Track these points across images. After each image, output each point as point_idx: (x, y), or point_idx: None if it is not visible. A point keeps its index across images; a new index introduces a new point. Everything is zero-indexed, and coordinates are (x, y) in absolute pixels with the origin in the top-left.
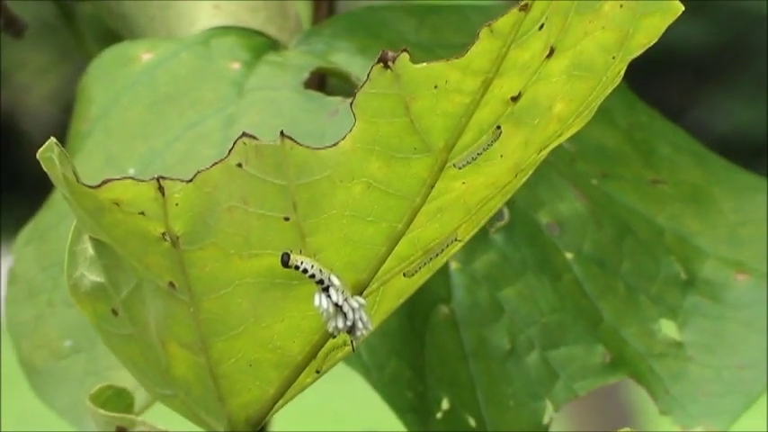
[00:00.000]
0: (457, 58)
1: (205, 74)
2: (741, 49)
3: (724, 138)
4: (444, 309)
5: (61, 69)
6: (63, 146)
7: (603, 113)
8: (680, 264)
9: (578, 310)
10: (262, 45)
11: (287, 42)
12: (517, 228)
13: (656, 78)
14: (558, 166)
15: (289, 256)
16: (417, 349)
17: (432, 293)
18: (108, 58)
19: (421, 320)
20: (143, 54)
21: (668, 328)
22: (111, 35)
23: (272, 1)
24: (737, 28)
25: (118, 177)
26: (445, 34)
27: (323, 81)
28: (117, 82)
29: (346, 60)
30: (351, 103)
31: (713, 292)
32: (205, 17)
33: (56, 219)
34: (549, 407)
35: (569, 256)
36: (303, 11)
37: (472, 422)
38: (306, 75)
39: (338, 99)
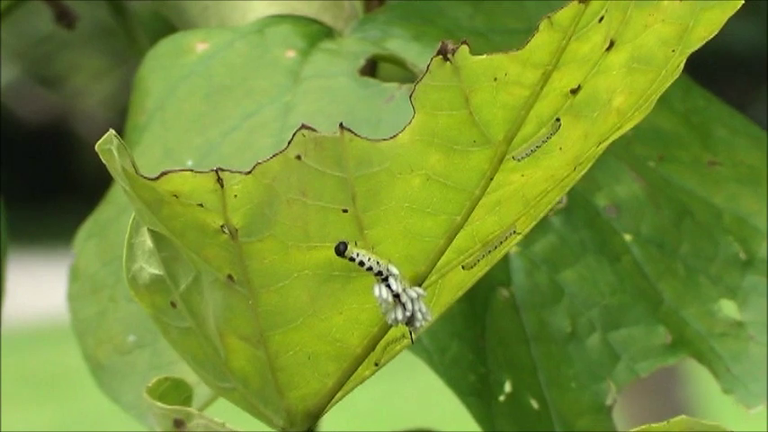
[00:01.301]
0: (516, 49)
1: (260, 63)
2: None
3: None
4: (504, 292)
5: (116, 73)
6: (113, 126)
7: (660, 97)
8: (738, 244)
9: (638, 292)
10: (316, 33)
11: (342, 30)
12: (575, 211)
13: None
14: (615, 149)
15: (345, 245)
16: (478, 332)
17: (491, 277)
18: (163, 50)
19: (481, 304)
20: (198, 44)
21: (728, 308)
22: (165, 35)
23: None
24: None
25: (176, 169)
26: (501, 20)
27: (374, 67)
28: (173, 73)
29: (402, 47)
30: (409, 94)
31: None
32: (259, 6)
33: (115, 213)
34: (612, 388)
35: (628, 238)
36: None
37: (535, 404)
38: (362, 62)
39: (394, 85)
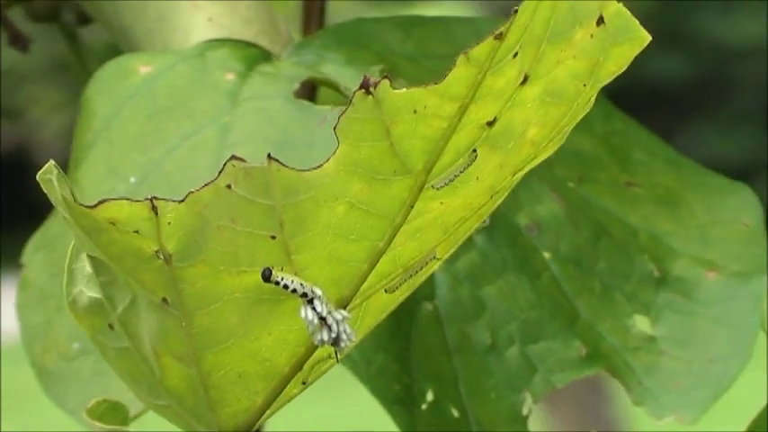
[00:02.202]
0: (435, 83)
1: (201, 85)
2: (719, 83)
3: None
4: (428, 306)
5: (72, 107)
6: (69, 156)
7: (581, 121)
8: (653, 262)
9: (556, 307)
10: (255, 56)
11: (279, 54)
12: (497, 229)
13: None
14: (537, 170)
15: (270, 271)
16: (403, 344)
17: (416, 291)
18: (109, 71)
19: (406, 317)
20: (141, 67)
21: (642, 324)
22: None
23: (264, 15)
24: (715, 63)
25: (113, 198)
26: (430, 45)
27: (314, 90)
28: (117, 94)
29: (336, 71)
30: (335, 124)
31: (685, 289)
32: (200, 30)
33: (62, 228)
34: (529, 399)
35: (547, 255)
36: (293, 24)
37: (455, 413)
38: (296, 85)
39: (327, 108)
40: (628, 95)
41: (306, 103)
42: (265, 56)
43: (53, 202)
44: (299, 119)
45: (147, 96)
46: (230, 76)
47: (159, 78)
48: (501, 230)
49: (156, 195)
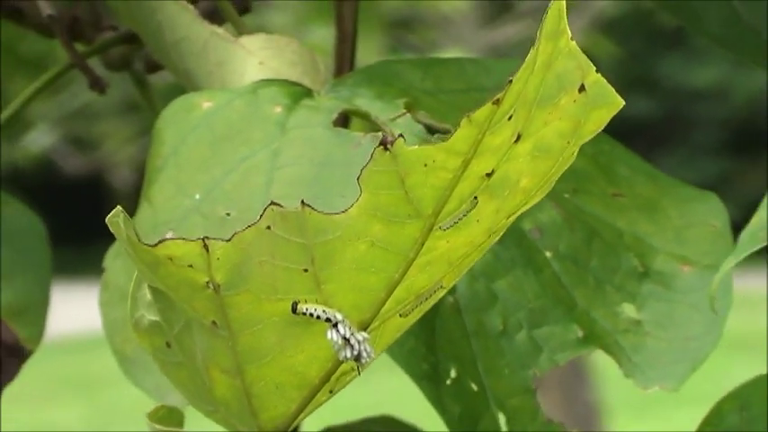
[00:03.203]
0: (443, 140)
1: (254, 117)
2: (681, 121)
3: None
4: (450, 298)
5: (139, 140)
6: (142, 178)
7: None
8: (637, 259)
9: (557, 298)
10: (299, 93)
11: (319, 90)
12: (506, 233)
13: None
14: None
15: (296, 304)
16: (429, 331)
17: None
18: (176, 106)
19: (432, 307)
20: (204, 102)
21: (629, 310)
22: (180, 94)
23: (306, 58)
24: (678, 103)
25: (170, 237)
26: (446, 82)
27: (347, 119)
28: (183, 125)
29: (366, 104)
30: (373, 143)
31: (664, 280)
32: (252, 72)
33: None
34: (536, 374)
35: (548, 254)
36: (330, 65)
37: (474, 387)
38: (334, 115)
39: (360, 134)
40: (605, 131)
41: (343, 130)
42: (307, 92)
43: (119, 240)
44: (337, 143)
45: (208, 127)
46: (278, 109)
47: (218, 112)
48: (509, 234)
49: (219, 216)
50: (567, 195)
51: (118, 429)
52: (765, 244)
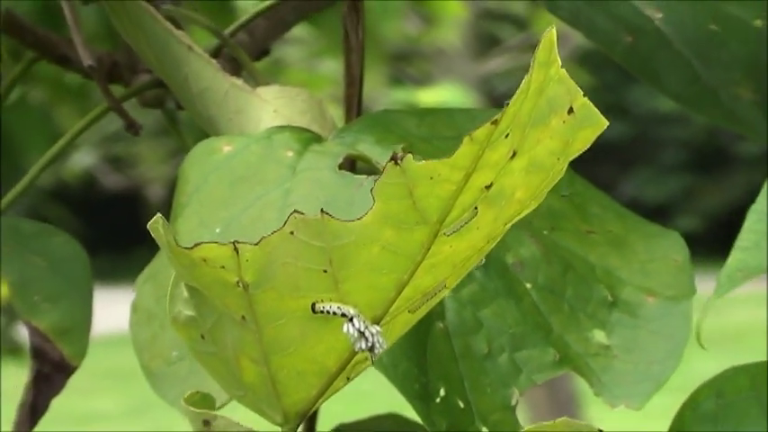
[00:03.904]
0: (447, 157)
1: (268, 160)
2: (651, 142)
3: (635, 206)
4: (440, 324)
5: (169, 161)
6: (170, 211)
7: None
8: (607, 290)
9: (535, 324)
10: (308, 138)
11: (326, 136)
12: (491, 266)
13: (595, 164)
14: (520, 222)
15: (315, 304)
16: (421, 353)
17: (431, 313)
18: (199, 150)
19: (423, 332)
20: (224, 146)
21: (599, 336)
22: (204, 135)
23: (315, 107)
24: (647, 126)
25: (206, 241)
26: (439, 129)
27: (353, 164)
28: (206, 167)
29: (368, 149)
30: (373, 184)
31: (631, 309)
32: (267, 119)
33: (164, 265)
34: (516, 392)
35: (528, 285)
36: (337, 113)
37: (461, 404)
38: (340, 159)
39: (363, 177)
40: (584, 152)
41: (347, 173)
42: (316, 138)
43: (159, 245)
44: (342, 184)
45: (227, 168)
46: (290, 153)
47: (237, 155)
48: (493, 266)
49: (236, 240)
50: (545, 232)
51: (152, 416)
52: (742, 284)
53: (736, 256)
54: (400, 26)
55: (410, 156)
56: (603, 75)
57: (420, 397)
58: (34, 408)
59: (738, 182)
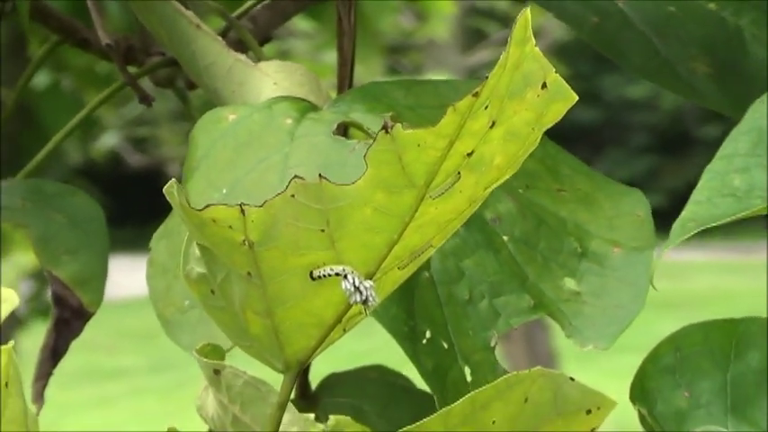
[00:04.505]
0: (432, 126)
1: (269, 127)
2: (621, 126)
3: None
4: (426, 273)
5: (186, 143)
6: (182, 175)
7: None
8: (577, 242)
9: (512, 273)
10: (305, 108)
11: (321, 106)
12: (472, 221)
13: (568, 146)
14: None
15: (312, 272)
16: (409, 300)
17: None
18: (207, 118)
19: (411, 281)
20: (229, 115)
21: (570, 284)
22: (210, 108)
23: (312, 80)
24: (618, 112)
25: (214, 202)
26: (424, 99)
27: (346, 129)
28: (213, 134)
29: (360, 117)
30: (364, 149)
31: (598, 259)
32: (268, 90)
33: (177, 224)
34: (495, 335)
35: (506, 238)
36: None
37: (445, 345)
38: (334, 126)
39: (354, 141)
40: (558, 134)
41: (341, 138)
42: (313, 107)
43: (173, 206)
44: (336, 148)
45: (232, 135)
46: (289, 121)
47: (241, 123)
48: (474, 222)
49: (242, 202)
50: (520, 191)
51: (171, 372)
52: (693, 233)
53: (689, 209)
54: (395, 21)
55: (399, 125)
56: (578, 65)
57: (408, 339)
58: (55, 349)
59: (699, 163)
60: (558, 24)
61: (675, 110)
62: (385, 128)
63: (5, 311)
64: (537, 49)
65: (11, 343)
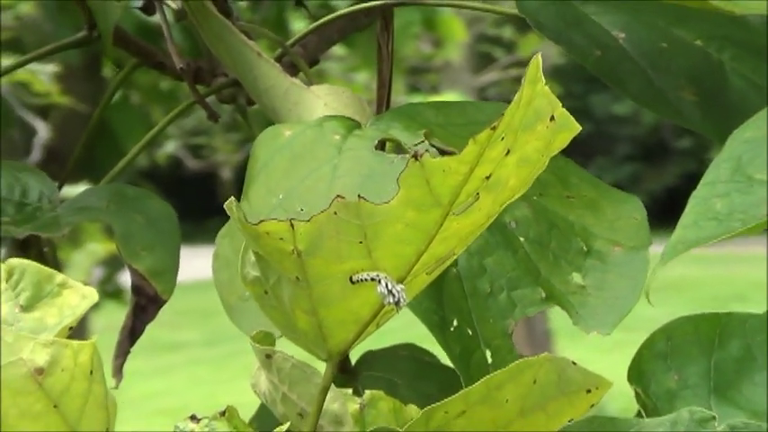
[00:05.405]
0: (458, 140)
1: (320, 142)
2: (609, 138)
3: None
4: (453, 270)
5: (239, 149)
6: (238, 189)
7: None
8: (583, 242)
9: (527, 269)
10: (351, 125)
11: (365, 124)
12: (493, 225)
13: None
14: None
15: (351, 277)
16: (439, 293)
17: None
18: (266, 134)
19: (440, 276)
20: (285, 131)
21: (577, 278)
22: (266, 125)
23: (357, 101)
24: (606, 125)
25: (269, 219)
26: (452, 118)
27: (384, 145)
28: (271, 147)
29: (397, 133)
30: (401, 161)
31: (601, 257)
32: (319, 110)
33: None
34: (512, 323)
35: (522, 239)
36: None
37: (470, 332)
38: (375, 142)
39: (393, 155)
40: (563, 150)
41: (381, 152)
42: (357, 125)
43: (232, 220)
44: (377, 161)
45: (288, 148)
46: (337, 137)
47: (296, 138)
48: (495, 225)
49: (295, 210)
50: (535, 198)
51: (224, 345)
52: (682, 252)
53: (678, 233)
54: (416, 47)
55: (428, 153)
56: (571, 86)
57: (438, 327)
58: (133, 330)
59: (675, 170)
60: (553, 49)
61: (654, 124)
62: (415, 156)
63: (86, 307)
64: (546, 87)
65: (94, 337)
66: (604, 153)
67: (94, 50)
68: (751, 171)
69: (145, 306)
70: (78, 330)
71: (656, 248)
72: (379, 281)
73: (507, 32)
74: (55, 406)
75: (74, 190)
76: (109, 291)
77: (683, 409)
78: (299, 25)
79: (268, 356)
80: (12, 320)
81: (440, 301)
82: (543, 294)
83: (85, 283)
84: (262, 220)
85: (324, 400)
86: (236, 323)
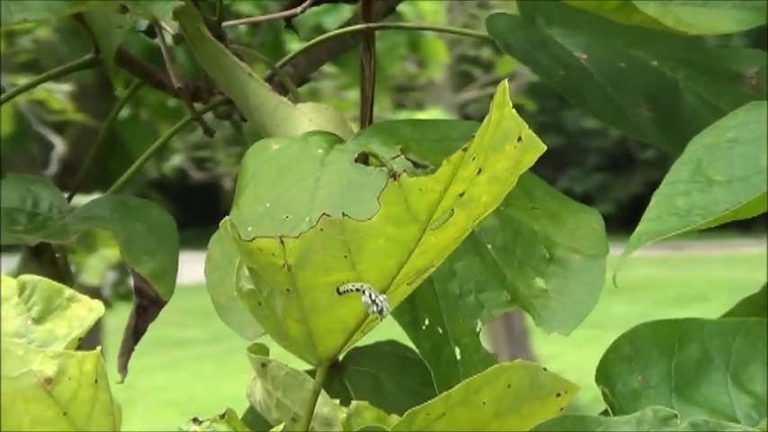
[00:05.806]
0: (433, 155)
1: (304, 155)
2: (579, 150)
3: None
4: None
5: (239, 162)
6: (233, 192)
7: None
8: (546, 250)
9: (494, 274)
10: (333, 140)
11: (346, 139)
12: None
13: (536, 166)
14: None
15: (338, 288)
16: (412, 294)
17: None
18: (256, 147)
19: None
20: (273, 145)
21: (540, 283)
22: (259, 138)
23: (338, 117)
24: (576, 138)
25: (261, 236)
26: (427, 134)
27: (366, 158)
28: (260, 159)
29: (377, 148)
30: (380, 174)
31: (563, 264)
32: (304, 126)
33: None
34: (479, 323)
35: (489, 246)
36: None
37: (440, 330)
38: (356, 155)
39: (372, 168)
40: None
41: (361, 165)
42: (339, 140)
43: (227, 237)
44: (357, 174)
45: (275, 160)
46: (320, 151)
47: (282, 151)
48: None
49: (281, 217)
50: (502, 208)
51: (225, 343)
52: (646, 244)
53: (642, 225)
54: (402, 67)
55: (405, 174)
56: (544, 102)
57: (411, 325)
58: (136, 330)
59: (640, 179)
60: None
61: (621, 137)
62: (394, 176)
63: (93, 319)
64: (513, 110)
65: (98, 348)
66: (576, 164)
67: (106, 71)
68: (710, 173)
69: (147, 307)
70: (93, 330)
71: (621, 250)
72: (364, 291)
73: (486, 53)
74: (64, 413)
75: (84, 200)
76: (121, 293)
77: (648, 407)
78: (295, 46)
79: (263, 365)
80: (24, 332)
81: (413, 301)
82: (508, 297)
83: (100, 286)
84: (254, 238)
85: (315, 403)
86: (225, 320)
